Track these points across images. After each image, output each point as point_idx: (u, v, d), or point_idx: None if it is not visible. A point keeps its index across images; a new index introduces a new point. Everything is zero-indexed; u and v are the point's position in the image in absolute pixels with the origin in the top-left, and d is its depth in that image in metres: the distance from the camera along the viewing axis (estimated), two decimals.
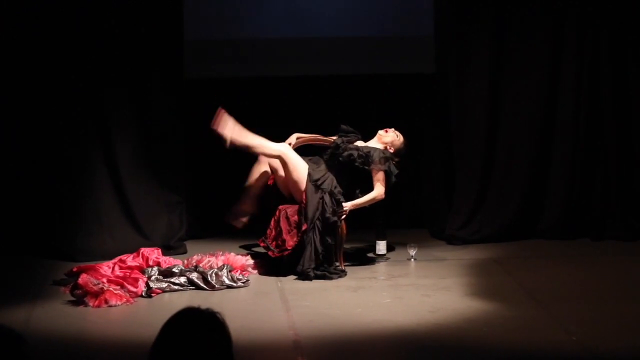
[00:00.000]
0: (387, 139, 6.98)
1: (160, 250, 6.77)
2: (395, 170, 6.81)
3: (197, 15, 7.66)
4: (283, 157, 6.68)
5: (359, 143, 6.99)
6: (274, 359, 5.26)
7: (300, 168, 6.68)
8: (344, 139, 6.97)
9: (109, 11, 7.10)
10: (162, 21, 7.26)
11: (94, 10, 7.07)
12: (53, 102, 7.08)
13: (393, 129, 7.02)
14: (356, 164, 6.74)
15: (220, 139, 6.63)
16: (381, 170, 6.75)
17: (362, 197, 6.78)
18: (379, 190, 6.76)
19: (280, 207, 6.74)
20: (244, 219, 6.98)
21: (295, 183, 6.67)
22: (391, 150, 6.94)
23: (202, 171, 7.66)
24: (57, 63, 7.04)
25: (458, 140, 7.66)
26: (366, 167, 6.74)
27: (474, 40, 7.56)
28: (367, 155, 6.75)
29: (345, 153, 6.80)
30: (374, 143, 6.98)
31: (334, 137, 7.03)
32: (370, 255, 7.18)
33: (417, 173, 8.02)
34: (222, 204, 7.77)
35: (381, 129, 7.03)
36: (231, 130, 6.63)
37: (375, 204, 6.86)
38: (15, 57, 7.06)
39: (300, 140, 7.07)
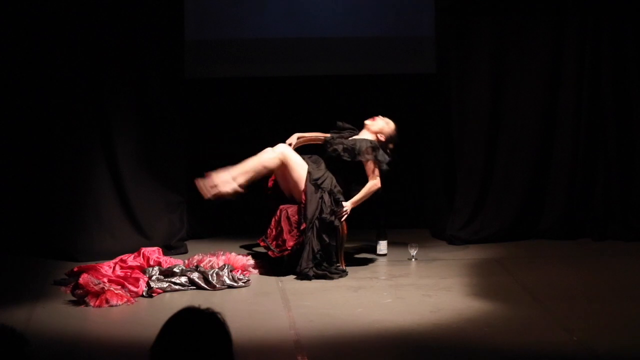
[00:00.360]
0: (375, 127, 6.93)
1: (161, 250, 6.78)
2: (386, 159, 6.76)
3: (197, 15, 7.65)
4: (284, 158, 6.66)
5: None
6: (274, 359, 5.26)
7: (299, 168, 6.67)
8: (334, 135, 6.94)
9: (110, 11, 7.10)
10: (162, 21, 7.26)
11: (94, 11, 7.07)
12: (53, 102, 7.08)
13: (380, 116, 6.97)
14: (343, 158, 6.72)
15: (229, 196, 6.56)
16: (369, 160, 6.72)
17: (358, 192, 6.75)
18: (373, 181, 6.74)
19: (282, 207, 6.74)
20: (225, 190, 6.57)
21: (295, 183, 6.67)
22: (382, 138, 6.89)
23: (202, 171, 7.67)
24: (57, 63, 7.04)
25: (459, 140, 7.65)
26: (354, 160, 6.71)
27: (474, 40, 7.56)
28: (352, 148, 6.73)
29: (331, 148, 6.79)
30: (364, 134, 6.94)
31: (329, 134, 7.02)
32: (371, 255, 7.18)
33: (417, 173, 8.02)
34: (223, 204, 7.79)
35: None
36: (223, 180, 6.53)
37: (374, 198, 6.83)
38: (16, 58, 7.06)
39: (301, 140, 7.05)
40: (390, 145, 6.92)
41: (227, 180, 6.54)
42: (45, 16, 7.01)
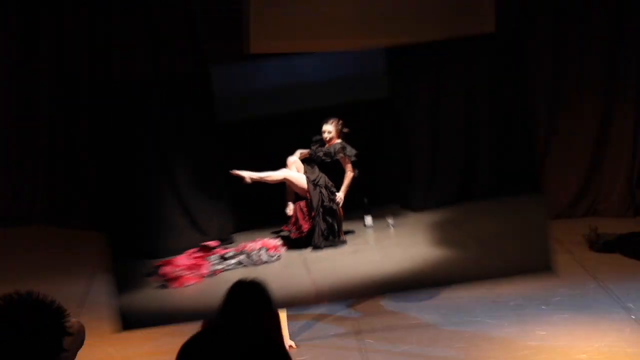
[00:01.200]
0: (333, 140, 6.76)
1: (217, 243, 6.74)
2: (353, 152, 6.71)
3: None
4: (287, 178, 6.76)
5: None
6: (303, 304, 5.61)
7: (301, 180, 6.76)
8: (314, 147, 6.88)
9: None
10: None
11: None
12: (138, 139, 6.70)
13: (325, 135, 6.77)
14: (326, 161, 6.78)
15: (240, 179, 6.63)
16: (342, 157, 6.77)
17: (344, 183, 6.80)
18: (348, 172, 6.76)
19: (296, 202, 6.84)
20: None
21: (302, 189, 6.78)
22: (337, 134, 6.77)
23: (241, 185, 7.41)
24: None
25: (411, 136, 7.28)
26: (333, 159, 6.74)
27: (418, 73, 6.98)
28: (329, 152, 6.77)
29: (315, 156, 6.83)
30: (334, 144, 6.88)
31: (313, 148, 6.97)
32: (361, 227, 6.96)
33: (386, 163, 7.53)
34: (257, 206, 7.64)
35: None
36: (246, 173, 6.65)
37: (357, 183, 6.80)
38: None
39: (304, 153, 6.97)
40: (345, 130, 6.80)
41: (247, 174, 6.63)
42: None
